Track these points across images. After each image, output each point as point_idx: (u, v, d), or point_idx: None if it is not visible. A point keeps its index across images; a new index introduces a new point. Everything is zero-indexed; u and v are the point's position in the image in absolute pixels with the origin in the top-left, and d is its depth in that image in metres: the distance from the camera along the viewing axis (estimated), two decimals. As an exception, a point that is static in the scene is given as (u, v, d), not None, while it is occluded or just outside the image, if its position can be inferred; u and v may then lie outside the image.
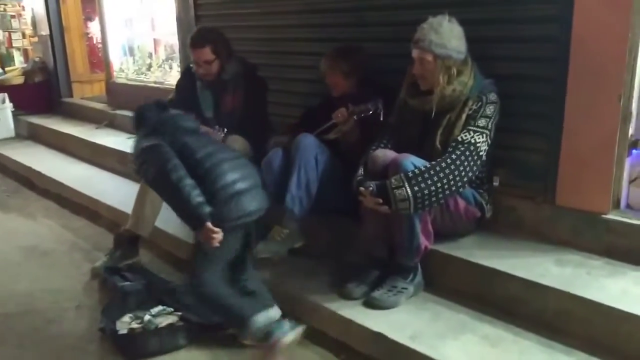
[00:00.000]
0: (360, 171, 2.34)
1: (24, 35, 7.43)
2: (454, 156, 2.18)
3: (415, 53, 2.29)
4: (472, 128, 2.23)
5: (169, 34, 5.24)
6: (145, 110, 2.27)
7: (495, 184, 2.53)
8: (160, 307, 2.45)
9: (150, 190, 2.53)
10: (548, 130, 2.39)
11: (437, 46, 2.22)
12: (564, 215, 2.39)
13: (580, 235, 2.35)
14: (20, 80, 6.59)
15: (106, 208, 3.76)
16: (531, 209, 2.50)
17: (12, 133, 6.11)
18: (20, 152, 5.40)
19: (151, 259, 3.12)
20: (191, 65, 3.12)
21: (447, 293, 2.33)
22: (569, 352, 1.95)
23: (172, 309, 2.45)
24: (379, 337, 2.10)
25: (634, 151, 2.32)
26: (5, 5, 7.29)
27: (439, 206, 2.26)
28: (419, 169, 2.15)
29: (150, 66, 5.83)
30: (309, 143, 2.57)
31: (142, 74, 5.88)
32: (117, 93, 5.83)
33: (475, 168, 2.22)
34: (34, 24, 6.76)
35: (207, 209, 2.00)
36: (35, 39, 6.89)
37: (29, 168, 4.85)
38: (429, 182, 2.13)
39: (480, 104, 2.26)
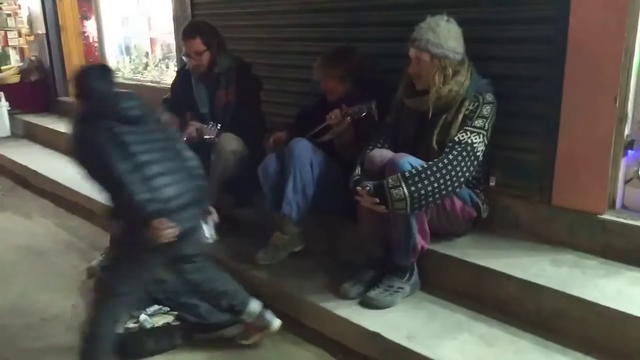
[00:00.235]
0: (357, 171, 2.34)
1: (20, 34, 7.38)
2: (450, 156, 2.18)
3: (412, 52, 2.28)
4: (469, 128, 2.23)
5: (166, 33, 5.25)
6: (90, 78, 2.04)
7: (492, 184, 2.54)
8: (156, 307, 2.44)
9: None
10: (544, 131, 2.40)
11: (433, 46, 2.22)
12: (559, 215, 2.39)
13: (576, 235, 2.35)
14: (16, 79, 6.55)
15: (102, 207, 3.72)
16: (527, 209, 2.51)
17: (7, 132, 6.10)
18: (16, 151, 5.38)
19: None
20: (183, 57, 3.13)
21: (443, 293, 2.34)
22: (565, 351, 1.95)
23: (168, 309, 2.44)
24: (375, 337, 2.10)
25: (629, 152, 2.32)
26: (1, 3, 7.25)
27: (435, 206, 2.26)
28: (416, 169, 2.15)
29: (146, 65, 5.83)
30: (302, 147, 2.56)
31: (139, 73, 5.87)
32: (113, 92, 5.81)
33: (472, 168, 2.22)
34: (30, 22, 6.74)
35: (154, 206, 1.87)
36: (32, 38, 6.86)
37: (25, 167, 4.84)
38: (426, 182, 2.12)
39: (477, 104, 2.25)
